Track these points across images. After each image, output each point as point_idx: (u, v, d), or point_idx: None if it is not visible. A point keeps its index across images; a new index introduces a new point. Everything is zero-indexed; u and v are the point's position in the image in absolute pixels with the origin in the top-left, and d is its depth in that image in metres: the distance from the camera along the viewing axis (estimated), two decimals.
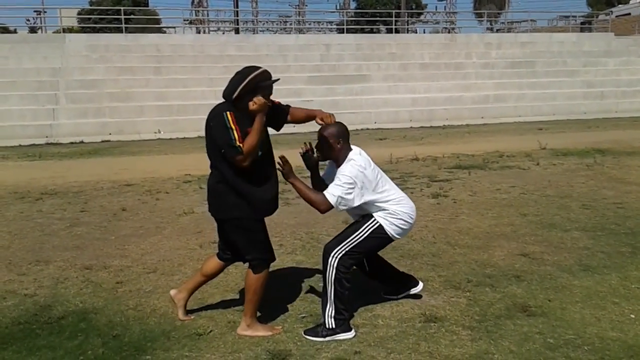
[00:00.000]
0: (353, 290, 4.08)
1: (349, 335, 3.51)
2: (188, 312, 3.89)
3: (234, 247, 3.66)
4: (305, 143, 3.73)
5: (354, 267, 3.74)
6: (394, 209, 3.63)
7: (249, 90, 3.36)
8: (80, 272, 4.84)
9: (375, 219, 3.64)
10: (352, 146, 3.65)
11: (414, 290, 4.06)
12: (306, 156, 3.73)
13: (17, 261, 5.19)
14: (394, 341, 3.47)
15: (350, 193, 3.46)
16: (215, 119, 3.38)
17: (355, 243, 3.60)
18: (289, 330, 3.65)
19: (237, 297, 4.21)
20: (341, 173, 3.49)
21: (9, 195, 8.31)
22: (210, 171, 3.58)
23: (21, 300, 4.25)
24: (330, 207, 3.47)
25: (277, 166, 3.52)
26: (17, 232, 6.25)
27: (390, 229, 3.64)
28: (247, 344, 3.47)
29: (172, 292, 3.89)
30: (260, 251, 3.61)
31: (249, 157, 3.31)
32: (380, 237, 3.65)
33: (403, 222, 3.66)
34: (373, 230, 3.62)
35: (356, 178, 3.47)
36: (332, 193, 3.45)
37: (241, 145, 3.29)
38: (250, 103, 3.34)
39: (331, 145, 3.56)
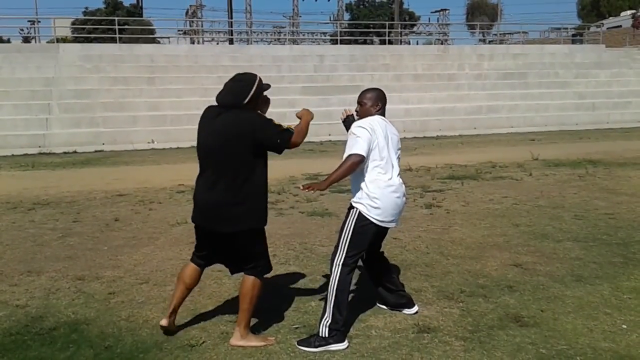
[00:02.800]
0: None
1: (342, 346, 3.51)
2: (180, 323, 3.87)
3: (243, 257, 3.59)
4: (345, 109, 4.03)
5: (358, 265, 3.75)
6: (370, 189, 3.59)
7: (256, 95, 3.48)
8: (72, 283, 4.82)
9: (354, 209, 3.64)
10: (384, 119, 3.77)
11: (406, 312, 4.05)
12: (347, 121, 4.01)
13: (8, 272, 5.15)
14: (387, 352, 3.47)
15: (361, 136, 3.56)
16: (255, 123, 3.40)
17: (347, 242, 3.59)
18: (282, 341, 3.64)
19: (230, 308, 4.18)
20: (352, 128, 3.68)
21: (1, 206, 8.27)
22: (207, 184, 3.47)
23: (13, 311, 4.22)
24: (356, 157, 3.53)
25: (306, 191, 3.57)
26: (9, 242, 6.21)
27: (369, 214, 3.59)
28: (240, 355, 3.45)
29: (164, 322, 3.69)
30: (268, 256, 3.66)
31: (299, 136, 3.55)
32: (365, 224, 3.60)
33: (381, 202, 3.58)
34: (355, 220, 3.61)
35: (366, 125, 3.60)
36: (348, 146, 3.59)
37: (290, 127, 3.52)
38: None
39: (371, 107, 3.75)
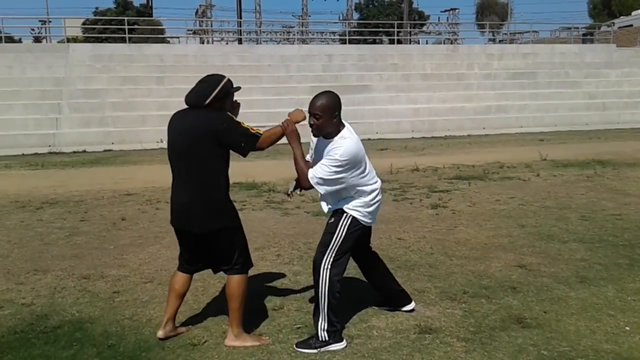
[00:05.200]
0: (348, 301, 4.11)
1: (341, 345, 3.52)
2: (183, 322, 3.90)
3: (219, 257, 3.61)
4: (289, 194, 3.79)
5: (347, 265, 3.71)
6: (368, 198, 3.59)
7: (221, 97, 3.47)
8: (77, 282, 4.86)
9: (347, 214, 3.58)
10: (345, 122, 3.55)
11: (404, 309, 4.06)
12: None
13: (15, 270, 5.21)
14: (387, 352, 3.47)
15: (334, 176, 3.40)
16: (223, 122, 3.40)
17: (338, 246, 3.56)
18: (283, 341, 3.65)
19: None
20: (330, 154, 3.40)
21: (10, 204, 8.35)
22: (178, 186, 3.48)
23: (18, 309, 4.26)
24: (311, 186, 3.45)
25: (282, 124, 3.50)
26: (17, 241, 6.28)
27: (363, 219, 3.61)
28: (242, 355, 3.47)
29: (160, 333, 3.69)
30: (248, 254, 3.68)
31: (265, 142, 3.48)
32: (357, 229, 3.61)
33: (374, 206, 3.64)
34: (348, 225, 3.57)
35: (345, 161, 3.38)
36: (314, 174, 3.41)
37: (258, 131, 3.47)
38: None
39: (327, 121, 3.43)
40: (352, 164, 3.42)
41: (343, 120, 3.55)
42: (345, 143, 3.41)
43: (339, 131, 3.49)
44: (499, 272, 4.93)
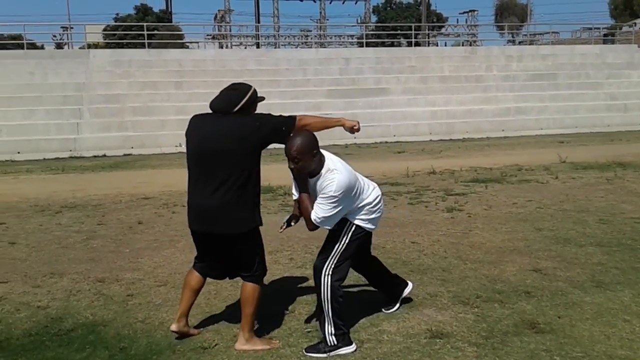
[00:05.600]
0: (359, 305, 4.11)
1: (351, 349, 3.51)
2: (196, 325, 3.93)
3: (239, 262, 3.63)
4: (282, 225, 3.85)
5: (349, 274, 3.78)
6: (370, 206, 3.64)
7: (249, 104, 3.53)
8: (92, 285, 4.92)
9: (350, 222, 3.62)
10: (322, 151, 3.48)
11: (405, 293, 4.13)
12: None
13: (32, 274, 5.28)
14: (397, 357, 3.45)
15: (334, 211, 3.43)
16: (256, 120, 3.47)
17: (340, 253, 3.61)
18: (293, 345, 3.65)
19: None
20: (324, 192, 3.40)
21: (30, 208, 8.49)
22: (204, 189, 3.46)
23: (34, 312, 4.32)
24: (316, 227, 3.50)
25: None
26: (35, 244, 6.37)
27: (367, 226, 3.67)
28: (251, 359, 3.48)
29: (174, 327, 3.73)
30: (264, 260, 3.73)
31: (302, 119, 3.57)
32: (360, 236, 3.66)
33: (378, 213, 3.72)
34: (352, 233, 3.62)
35: (341, 194, 3.39)
36: (316, 215, 3.44)
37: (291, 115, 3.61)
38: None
39: (307, 161, 3.37)
40: (347, 193, 3.45)
41: (322, 150, 3.49)
42: (336, 177, 3.38)
43: (322, 165, 3.45)
44: (514, 276, 4.88)
